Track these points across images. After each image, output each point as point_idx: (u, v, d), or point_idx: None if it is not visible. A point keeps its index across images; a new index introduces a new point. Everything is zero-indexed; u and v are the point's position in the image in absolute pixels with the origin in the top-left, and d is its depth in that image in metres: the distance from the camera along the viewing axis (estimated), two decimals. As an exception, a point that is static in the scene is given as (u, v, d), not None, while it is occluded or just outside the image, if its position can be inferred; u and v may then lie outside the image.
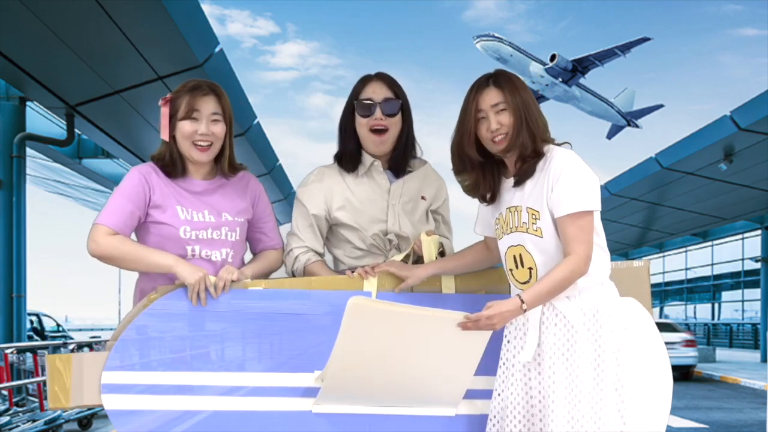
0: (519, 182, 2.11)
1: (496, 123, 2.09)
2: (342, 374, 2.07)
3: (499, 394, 2.13)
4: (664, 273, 32.76)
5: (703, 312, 32.62)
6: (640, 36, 40.62)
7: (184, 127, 2.25)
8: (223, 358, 2.12)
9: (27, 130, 8.94)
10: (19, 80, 7.68)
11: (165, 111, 2.25)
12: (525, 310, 2.03)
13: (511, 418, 2.08)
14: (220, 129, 2.27)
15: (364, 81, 2.41)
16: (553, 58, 41.33)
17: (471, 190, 2.23)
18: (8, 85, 8.44)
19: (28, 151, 9.37)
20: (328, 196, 2.42)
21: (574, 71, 41.70)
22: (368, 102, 2.36)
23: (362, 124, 2.38)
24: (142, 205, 2.25)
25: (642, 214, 16.64)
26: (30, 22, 6.12)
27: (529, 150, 2.09)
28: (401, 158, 2.44)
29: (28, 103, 9.03)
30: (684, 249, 29.66)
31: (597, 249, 2.08)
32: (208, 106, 2.26)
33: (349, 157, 2.43)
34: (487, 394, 2.18)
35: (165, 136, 2.26)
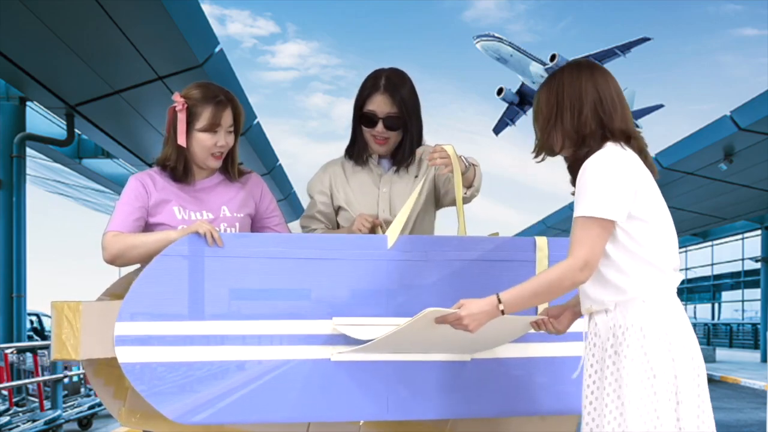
0: (573, 183, 1.98)
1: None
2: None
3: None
4: (664, 273, 32.68)
5: (703, 312, 32.63)
6: (640, 36, 40.63)
7: (205, 140, 2.27)
8: (237, 306, 2.06)
9: (27, 130, 8.93)
10: (19, 80, 7.68)
11: (182, 117, 2.25)
12: (503, 312, 1.87)
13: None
14: (232, 139, 2.32)
15: (371, 90, 2.43)
16: (553, 58, 41.32)
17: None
18: (8, 85, 8.43)
19: (28, 151, 9.36)
20: (331, 184, 2.51)
21: (574, 71, 41.62)
22: (371, 114, 2.41)
23: (365, 131, 2.45)
24: (144, 211, 2.27)
25: (642, 214, 16.58)
26: (30, 22, 6.12)
27: (574, 155, 1.95)
28: (403, 155, 2.48)
29: (28, 103, 9.02)
30: (684, 249, 29.65)
31: (640, 262, 1.87)
32: (227, 119, 2.28)
33: (353, 146, 2.51)
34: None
35: (183, 141, 2.26)
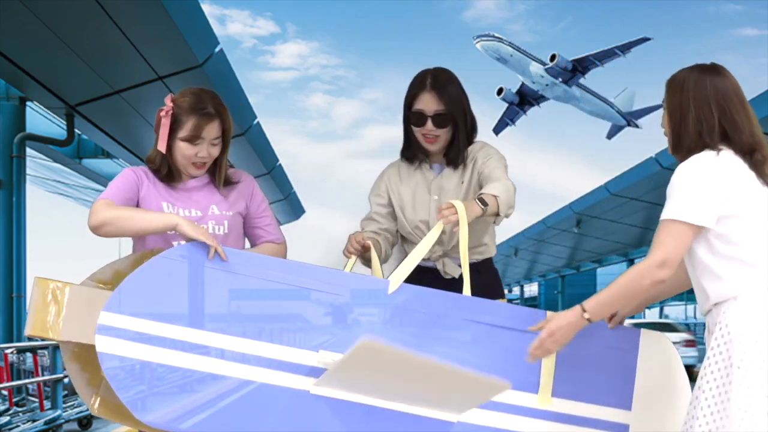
0: None
1: (662, 121, 2.07)
2: (349, 366, 1.98)
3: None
4: (664, 273, 32.70)
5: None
6: (640, 36, 40.60)
7: (186, 150, 2.25)
8: (227, 321, 2.03)
9: (27, 130, 8.93)
10: (19, 80, 7.68)
11: (166, 122, 2.23)
12: (589, 320, 1.90)
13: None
14: (216, 151, 2.29)
15: (418, 89, 2.45)
16: (553, 58, 41.31)
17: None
18: (8, 85, 8.43)
19: (28, 151, 9.36)
20: (387, 188, 2.56)
21: (574, 71, 41.67)
22: (419, 113, 2.44)
23: (415, 130, 2.47)
24: (134, 196, 2.26)
25: (642, 214, 16.62)
26: (30, 22, 6.12)
27: (679, 154, 2.02)
28: (456, 153, 2.48)
29: (28, 103, 9.02)
30: (684, 249, 29.59)
31: (735, 262, 1.91)
32: (211, 131, 2.25)
33: (407, 149, 2.54)
34: (498, 406, 2.07)
35: (162, 148, 2.24)
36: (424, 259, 2.28)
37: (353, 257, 2.30)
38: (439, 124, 2.43)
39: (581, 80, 39.70)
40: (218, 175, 2.34)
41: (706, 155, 1.93)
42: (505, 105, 45.64)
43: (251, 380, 2.01)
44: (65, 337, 2.02)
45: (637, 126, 46.60)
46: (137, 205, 2.27)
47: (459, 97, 2.46)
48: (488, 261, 2.58)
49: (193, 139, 2.23)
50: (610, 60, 41.59)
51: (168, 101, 2.25)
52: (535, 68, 41.33)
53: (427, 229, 2.42)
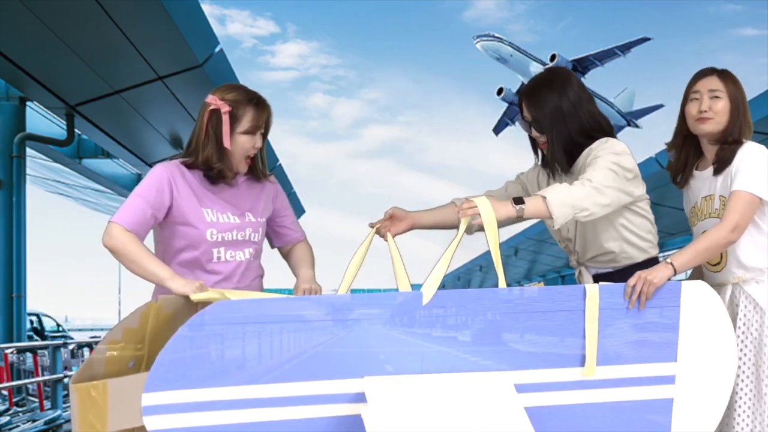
0: (718, 170, 2.30)
1: (707, 106, 2.29)
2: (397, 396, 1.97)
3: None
4: (664, 273, 32.67)
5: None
6: (640, 36, 40.66)
7: (246, 142, 2.28)
8: (268, 369, 2.00)
9: (27, 130, 8.93)
10: (19, 80, 7.68)
11: (227, 119, 2.25)
12: (676, 272, 2.14)
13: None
14: (262, 141, 2.34)
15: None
16: (553, 58, 41.35)
17: (668, 167, 2.49)
18: (8, 85, 8.43)
19: (28, 151, 9.36)
20: (528, 181, 2.58)
21: (574, 71, 41.70)
22: (524, 120, 2.47)
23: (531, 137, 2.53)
24: (161, 207, 2.24)
25: (642, 214, 16.58)
26: (30, 22, 6.12)
27: (732, 137, 2.28)
28: (550, 160, 2.42)
29: (28, 103, 9.03)
30: (684, 249, 29.59)
31: None
32: (267, 120, 2.32)
33: (537, 156, 2.55)
34: (544, 387, 2.10)
35: (228, 143, 2.26)
36: (569, 267, 2.34)
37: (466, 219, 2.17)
38: (538, 131, 2.40)
39: (581, 80, 39.71)
40: (262, 166, 2.38)
41: (760, 145, 2.28)
42: (505, 105, 45.70)
43: (303, 418, 2.00)
44: (114, 428, 2.03)
45: (637, 126, 46.61)
46: (170, 208, 2.25)
47: (547, 104, 2.39)
48: (632, 268, 2.29)
49: (255, 129, 2.28)
50: (610, 60, 41.64)
51: (216, 101, 2.26)
52: (535, 68, 41.36)
53: (560, 241, 2.49)
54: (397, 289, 2.29)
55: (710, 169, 2.33)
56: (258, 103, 2.28)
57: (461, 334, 2.07)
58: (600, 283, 2.14)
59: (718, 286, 2.25)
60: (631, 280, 2.08)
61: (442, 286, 2.13)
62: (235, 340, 1.99)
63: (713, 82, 2.31)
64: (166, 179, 2.25)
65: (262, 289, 2.44)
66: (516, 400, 2.02)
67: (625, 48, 41.14)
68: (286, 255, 2.57)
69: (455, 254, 2.17)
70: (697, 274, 2.42)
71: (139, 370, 2.12)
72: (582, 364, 2.09)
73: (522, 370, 2.06)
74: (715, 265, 2.30)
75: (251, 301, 2.04)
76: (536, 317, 2.10)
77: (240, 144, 2.27)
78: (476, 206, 2.10)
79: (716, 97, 2.29)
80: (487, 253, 2.48)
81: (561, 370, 2.09)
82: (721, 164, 2.29)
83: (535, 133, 2.42)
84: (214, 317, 1.98)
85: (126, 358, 2.07)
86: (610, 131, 2.41)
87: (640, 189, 2.33)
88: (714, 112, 2.28)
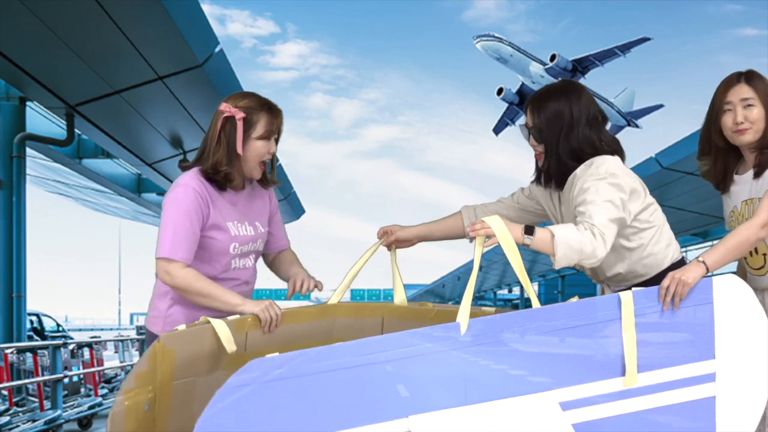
0: (758, 173, 2.31)
1: (742, 116, 2.28)
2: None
3: None
4: (664, 273, 32.71)
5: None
6: (640, 36, 40.67)
7: (260, 148, 2.31)
8: (310, 423, 1.95)
9: (27, 130, 8.92)
10: (19, 80, 7.68)
11: (241, 125, 2.27)
12: (708, 270, 2.12)
13: None
14: (275, 146, 2.37)
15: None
16: (553, 58, 41.36)
17: (705, 175, 2.48)
18: (8, 85, 8.43)
19: (28, 151, 9.36)
20: (539, 200, 2.55)
21: (574, 71, 41.72)
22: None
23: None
24: (202, 226, 2.29)
25: (642, 214, 16.58)
26: (30, 22, 6.12)
27: None
28: (545, 173, 2.41)
29: (28, 103, 9.02)
30: (684, 249, 29.66)
31: None
32: (281, 125, 2.35)
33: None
34: (586, 402, 2.07)
35: (240, 149, 2.28)
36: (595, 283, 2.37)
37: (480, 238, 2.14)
38: (535, 139, 2.40)
39: (581, 80, 39.74)
40: (272, 171, 2.42)
41: None
42: (505, 105, 45.71)
43: None
44: None
45: (637, 126, 46.62)
46: (203, 226, 2.28)
47: (551, 114, 2.36)
48: (661, 273, 2.30)
49: (269, 135, 2.32)
50: (610, 60, 41.65)
51: (230, 108, 2.28)
52: (535, 68, 41.39)
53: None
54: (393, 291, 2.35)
55: (750, 173, 2.34)
56: (271, 108, 2.33)
57: (501, 361, 2.05)
58: (633, 289, 2.11)
59: (762, 291, 2.27)
60: (665, 282, 2.07)
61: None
62: (276, 396, 1.93)
63: (744, 91, 2.30)
64: (199, 197, 2.27)
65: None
66: (562, 419, 2.02)
67: (625, 48, 41.14)
68: (271, 261, 2.58)
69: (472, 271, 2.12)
70: (741, 277, 2.34)
71: (152, 411, 2.10)
72: (623, 373, 2.07)
73: (565, 387, 2.05)
74: (759, 269, 2.31)
75: (288, 356, 1.97)
76: (574, 332, 2.08)
77: (255, 150, 2.30)
78: (489, 227, 2.08)
79: (749, 105, 2.29)
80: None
81: (603, 383, 2.08)
82: (762, 168, 2.30)
83: (532, 142, 2.40)
84: (253, 375, 1.91)
85: (141, 403, 2.06)
86: (611, 153, 2.33)
87: (638, 202, 2.28)
88: (750, 122, 2.28)
